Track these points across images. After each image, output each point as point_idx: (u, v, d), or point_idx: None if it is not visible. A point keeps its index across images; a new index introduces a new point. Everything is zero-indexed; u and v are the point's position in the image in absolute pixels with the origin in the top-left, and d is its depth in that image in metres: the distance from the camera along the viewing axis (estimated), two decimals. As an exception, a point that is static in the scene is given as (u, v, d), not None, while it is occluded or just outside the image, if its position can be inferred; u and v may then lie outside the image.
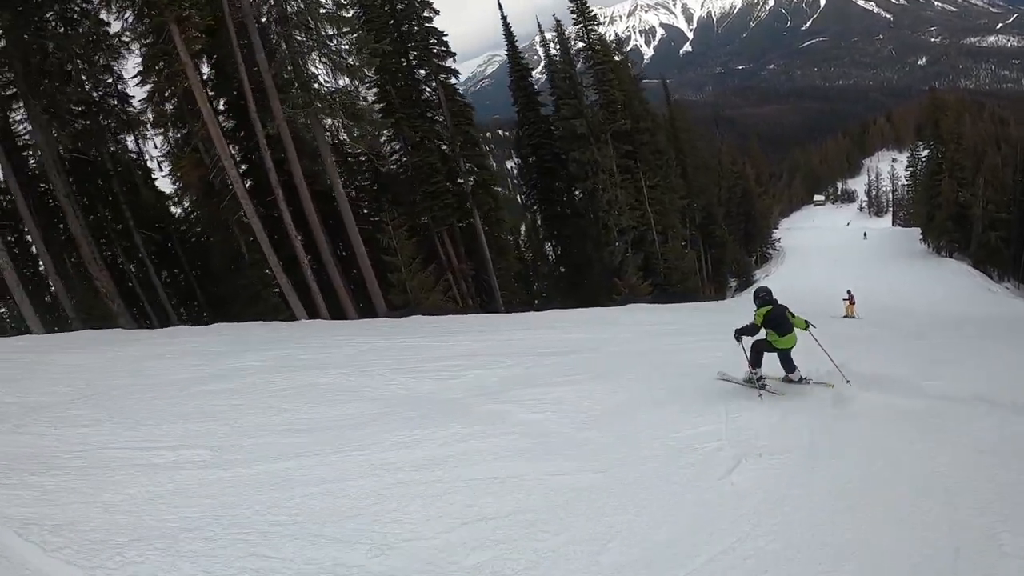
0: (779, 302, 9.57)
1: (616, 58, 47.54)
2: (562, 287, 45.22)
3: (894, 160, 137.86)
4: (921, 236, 79.22)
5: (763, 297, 9.57)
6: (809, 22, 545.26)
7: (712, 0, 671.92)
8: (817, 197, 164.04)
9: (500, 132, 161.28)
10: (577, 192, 42.05)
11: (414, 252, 30.62)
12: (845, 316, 32.24)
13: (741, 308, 24.53)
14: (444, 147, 36.07)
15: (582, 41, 42.19)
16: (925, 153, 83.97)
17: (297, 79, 26.57)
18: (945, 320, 28.30)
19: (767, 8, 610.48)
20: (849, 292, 34.54)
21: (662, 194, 45.83)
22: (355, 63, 27.58)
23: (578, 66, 42.19)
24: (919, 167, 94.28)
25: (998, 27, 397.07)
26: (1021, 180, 64.18)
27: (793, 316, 9.51)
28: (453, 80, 37.20)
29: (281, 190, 26.46)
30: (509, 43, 43.68)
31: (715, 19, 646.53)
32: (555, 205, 45.05)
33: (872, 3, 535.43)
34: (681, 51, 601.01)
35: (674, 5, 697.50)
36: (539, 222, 46.33)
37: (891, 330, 23.54)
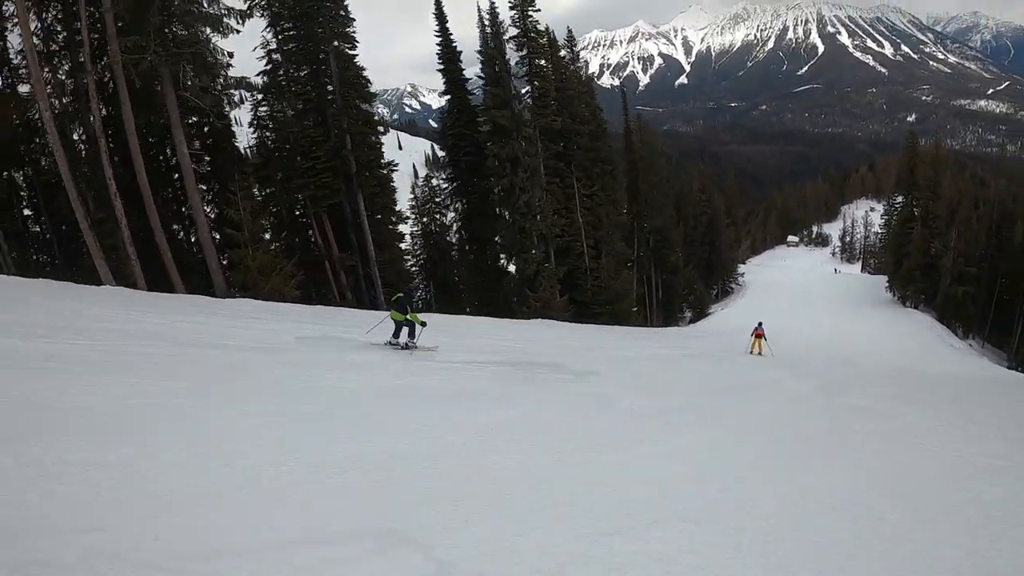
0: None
1: (563, 53, 42.52)
2: (478, 293, 40.15)
3: (871, 209, 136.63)
4: (887, 284, 75.54)
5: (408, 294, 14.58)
6: (805, 68, 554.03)
7: (712, 36, 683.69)
8: (791, 238, 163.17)
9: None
10: (497, 189, 36.95)
11: (262, 230, 27.34)
12: (750, 352, 27.94)
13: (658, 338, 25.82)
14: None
15: (516, 27, 37.24)
16: (900, 200, 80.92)
17: (140, 21, 22.02)
18: (882, 374, 23.59)
19: (766, 50, 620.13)
20: (760, 324, 29.30)
21: (599, 205, 41.03)
22: (214, 12, 24.49)
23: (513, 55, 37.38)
24: (893, 216, 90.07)
25: (989, 92, 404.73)
26: (995, 236, 61.30)
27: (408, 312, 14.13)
28: (352, 50, 32.07)
29: (104, 140, 22.64)
30: (440, 23, 39.05)
31: (714, 55, 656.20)
32: (474, 203, 39.91)
33: (869, 56, 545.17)
34: (676, 82, 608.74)
35: (675, 37, 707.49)
36: (458, 221, 41.10)
37: (793, 378, 18.35)
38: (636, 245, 54.19)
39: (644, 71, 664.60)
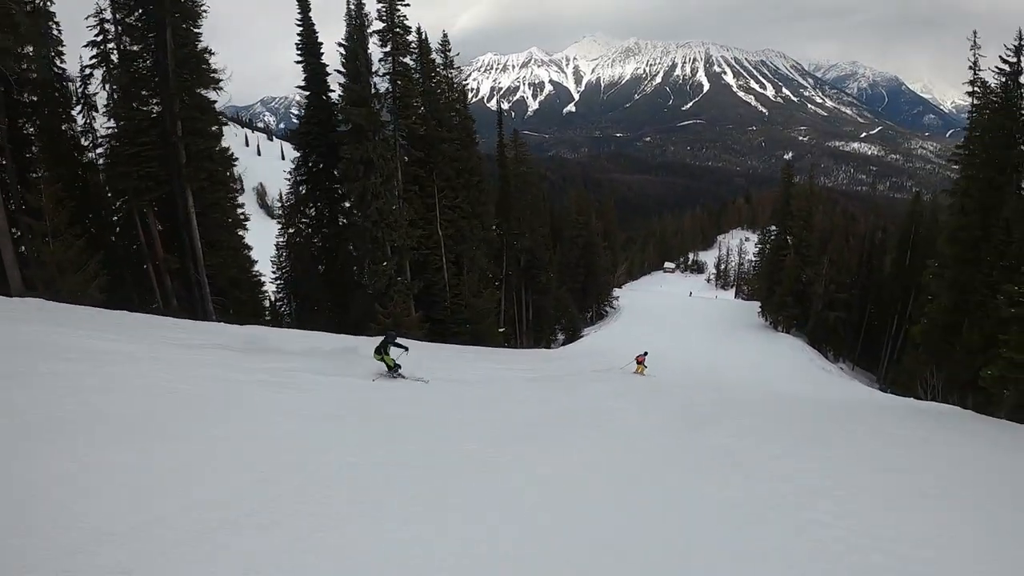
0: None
1: (435, 59, 40.31)
2: (328, 306, 37.23)
3: (746, 239, 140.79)
4: (760, 310, 77.37)
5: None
6: (690, 104, 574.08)
7: (603, 67, 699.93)
8: (668, 264, 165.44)
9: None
10: (349, 196, 34.32)
11: (70, 221, 23.04)
12: (635, 372, 29.81)
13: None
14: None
15: (383, 21, 34.79)
16: (774, 230, 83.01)
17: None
18: (753, 399, 22.31)
19: (653, 84, 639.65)
20: (645, 353, 31.07)
21: (462, 218, 38.80)
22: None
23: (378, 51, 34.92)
24: (767, 245, 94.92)
25: (862, 136, 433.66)
26: (866, 266, 64.54)
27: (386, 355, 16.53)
28: (195, 28, 28.74)
29: None
30: (302, 9, 36.06)
31: (603, 85, 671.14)
32: (326, 210, 37.06)
33: (751, 96, 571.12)
34: (565, 110, 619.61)
35: (567, 65, 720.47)
36: (308, 229, 37.98)
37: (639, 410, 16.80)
38: (505, 263, 52.40)
39: (534, 96, 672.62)
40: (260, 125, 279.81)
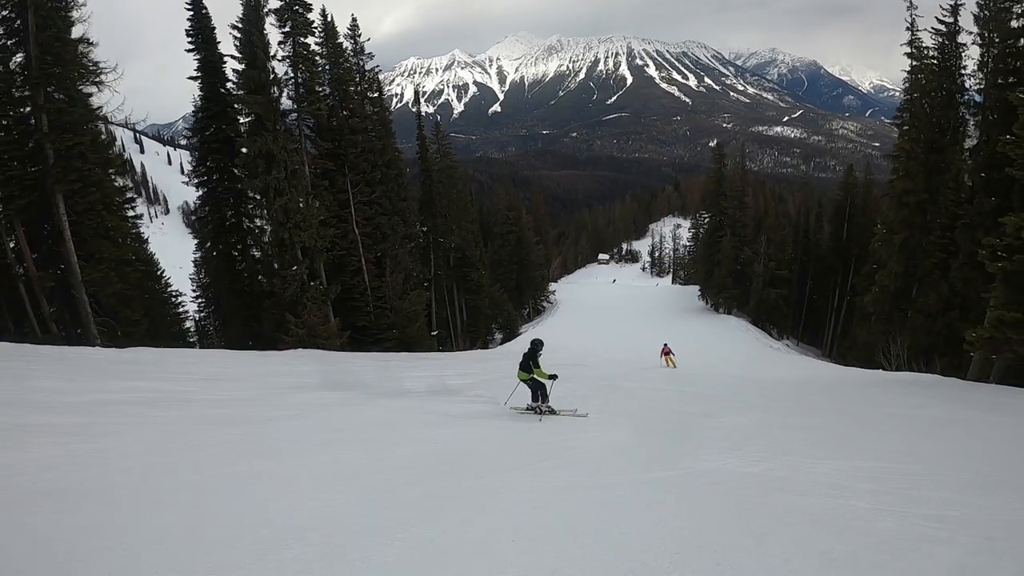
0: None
1: (344, 44, 37.16)
2: (236, 321, 33.82)
3: (678, 226, 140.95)
4: (700, 293, 77.41)
5: (537, 345, 12.42)
6: (614, 98, 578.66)
7: (527, 66, 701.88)
8: (602, 256, 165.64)
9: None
10: (250, 194, 31.02)
11: None
12: (666, 365, 32.59)
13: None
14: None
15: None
16: (707, 216, 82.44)
17: None
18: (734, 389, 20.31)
19: (577, 80, 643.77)
20: (666, 344, 35.21)
21: (380, 215, 35.78)
22: None
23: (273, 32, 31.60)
24: (701, 229, 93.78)
25: (784, 120, 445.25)
26: (803, 240, 64.30)
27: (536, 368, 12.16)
28: (66, 12, 25.01)
29: None
30: (188, -11, 32.64)
31: (527, 84, 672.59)
32: (229, 212, 33.62)
33: (674, 87, 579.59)
34: (490, 110, 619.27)
35: (490, 66, 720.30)
36: (211, 234, 34.34)
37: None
38: (433, 262, 49.57)
39: (459, 99, 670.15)
40: (183, 143, 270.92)
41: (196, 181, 33.75)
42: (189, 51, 32.83)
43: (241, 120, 31.65)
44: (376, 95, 40.50)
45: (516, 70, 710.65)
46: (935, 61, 35.10)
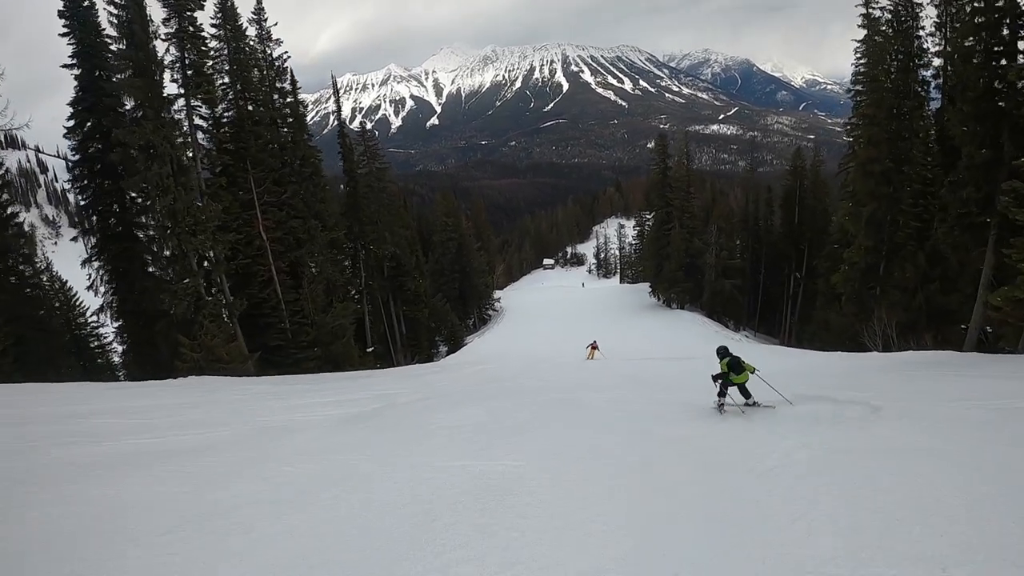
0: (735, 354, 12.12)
1: (248, 29, 32.65)
2: (131, 344, 28.99)
3: (622, 226, 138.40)
4: (650, 290, 74.52)
5: (722, 352, 12.15)
6: (551, 105, 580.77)
7: (463, 78, 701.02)
8: (547, 261, 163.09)
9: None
10: (130, 195, 26.33)
11: None
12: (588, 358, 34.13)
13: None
14: None
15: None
16: (651, 216, 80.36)
17: None
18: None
19: (513, 89, 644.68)
20: (594, 342, 37.75)
21: (293, 218, 31.30)
22: None
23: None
24: (646, 227, 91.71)
25: (720, 118, 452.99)
26: (754, 227, 62.26)
27: (744, 363, 11.93)
28: None
29: None
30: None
31: (463, 95, 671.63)
32: (111, 219, 28.72)
33: (610, 92, 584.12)
34: (428, 123, 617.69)
35: (426, 79, 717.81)
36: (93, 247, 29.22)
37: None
38: (362, 271, 45.21)
39: (396, 113, 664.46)
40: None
41: (77, 186, 28.82)
42: (64, 35, 27.99)
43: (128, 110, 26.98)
44: (286, 86, 35.89)
45: (452, 82, 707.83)
46: (889, 26, 33.81)
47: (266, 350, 28.80)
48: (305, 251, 31.91)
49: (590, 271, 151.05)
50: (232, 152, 28.74)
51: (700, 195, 74.13)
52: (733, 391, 12.15)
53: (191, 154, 26.77)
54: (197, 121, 27.76)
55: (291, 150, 33.81)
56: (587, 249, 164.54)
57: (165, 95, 25.86)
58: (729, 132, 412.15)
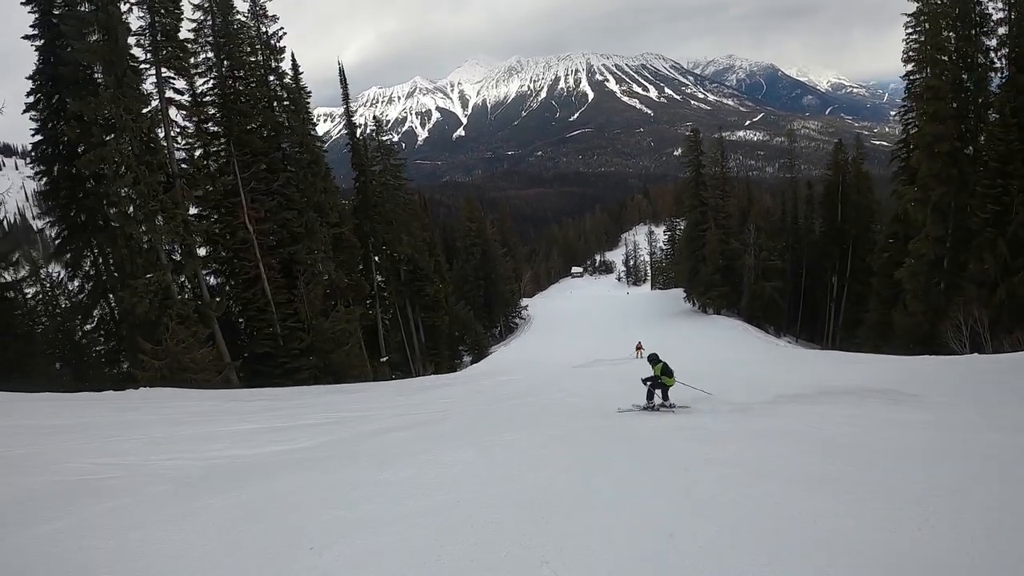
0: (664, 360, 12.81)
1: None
2: (103, 350, 25.17)
3: (651, 232, 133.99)
4: (685, 295, 70.85)
5: (654, 359, 12.84)
6: (577, 114, 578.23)
7: (488, 89, 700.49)
8: (575, 269, 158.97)
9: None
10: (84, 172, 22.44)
11: None
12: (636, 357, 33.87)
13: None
14: None
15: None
16: (683, 220, 77.98)
17: None
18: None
19: (539, 100, 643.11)
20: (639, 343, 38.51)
21: (286, 208, 27.46)
22: None
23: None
24: (677, 231, 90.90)
25: (746, 124, 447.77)
26: (793, 227, 58.44)
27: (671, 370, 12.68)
28: None
29: None
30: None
31: (489, 107, 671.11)
32: (73, 206, 24.82)
33: (635, 100, 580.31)
34: (455, 135, 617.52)
35: (452, 91, 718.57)
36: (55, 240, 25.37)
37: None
38: (375, 274, 41.44)
39: (422, 125, 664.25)
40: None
41: (37, 169, 25.08)
42: (25, 2, 24.41)
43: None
44: (283, 67, 32.12)
45: (478, 93, 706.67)
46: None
47: (254, 358, 25.00)
48: (302, 247, 28.07)
49: (619, 279, 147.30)
50: (213, 134, 25.03)
51: (736, 195, 69.52)
52: (659, 394, 12.76)
53: (162, 132, 23.03)
54: (171, 95, 24.01)
55: (287, 135, 30.08)
56: (616, 256, 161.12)
57: (131, 64, 22.21)
58: (756, 138, 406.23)
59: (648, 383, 12.80)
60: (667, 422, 10.51)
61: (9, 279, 23.03)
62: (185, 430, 10.60)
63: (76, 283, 24.89)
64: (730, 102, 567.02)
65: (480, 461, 7.24)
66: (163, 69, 23.49)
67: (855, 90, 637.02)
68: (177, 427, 10.92)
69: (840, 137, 66.24)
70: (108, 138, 20.56)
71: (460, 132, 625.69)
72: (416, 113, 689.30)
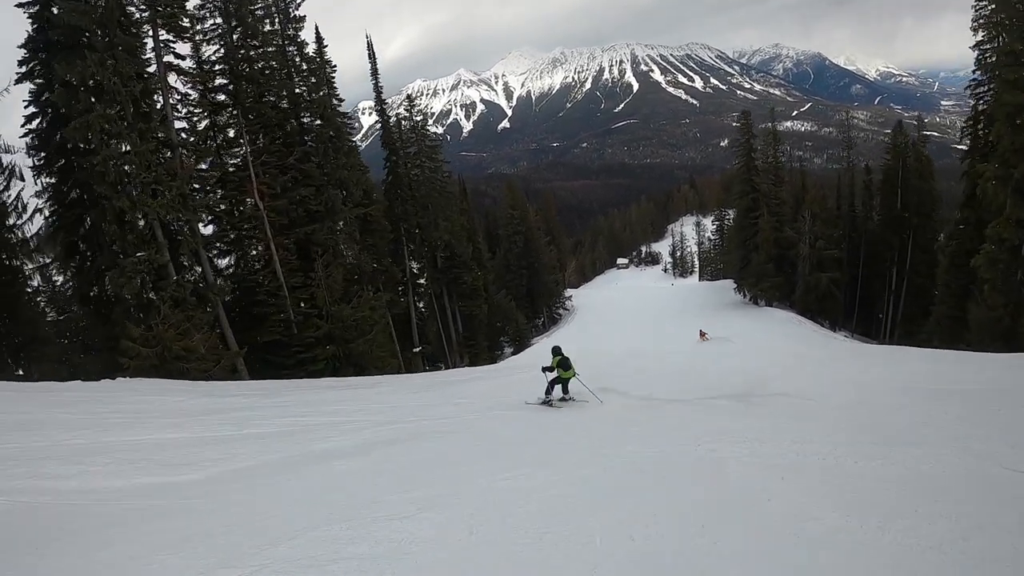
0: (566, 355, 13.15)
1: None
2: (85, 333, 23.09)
3: (699, 223, 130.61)
4: (735, 286, 67.76)
5: (556, 351, 13.27)
6: (622, 105, 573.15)
7: (532, 80, 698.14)
8: (620, 260, 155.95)
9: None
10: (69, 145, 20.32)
11: None
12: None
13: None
14: None
15: None
16: (732, 210, 76.51)
17: None
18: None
19: (583, 91, 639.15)
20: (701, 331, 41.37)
21: (303, 184, 25.23)
22: None
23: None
24: (726, 221, 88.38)
25: (794, 114, 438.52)
26: (849, 214, 55.25)
27: (571, 365, 13.11)
28: None
29: None
30: None
31: (534, 98, 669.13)
32: (66, 180, 22.68)
33: (681, 90, 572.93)
34: (499, 127, 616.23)
35: (496, 83, 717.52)
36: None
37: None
38: (407, 259, 39.26)
39: (467, 118, 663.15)
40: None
41: (31, 144, 23.12)
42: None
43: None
44: (303, 37, 29.90)
45: (522, 85, 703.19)
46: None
47: (266, 347, 22.88)
48: (321, 227, 25.87)
49: (665, 270, 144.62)
50: (220, 103, 22.93)
51: (789, 182, 66.03)
52: (559, 388, 13.04)
53: (161, 100, 20.96)
54: (170, 60, 21.91)
55: (307, 107, 27.92)
56: (662, 248, 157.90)
57: (125, 25, 20.13)
58: (803, 128, 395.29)
59: (546, 372, 13.18)
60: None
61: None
62: (88, 438, 8.26)
63: (73, 265, 22.94)
64: (777, 92, 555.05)
65: (452, 539, 4.76)
66: (161, 32, 21.40)
67: (904, 79, 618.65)
68: (101, 432, 8.61)
69: (890, 127, 62.37)
70: (95, 104, 18.41)
71: (505, 124, 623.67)
72: (461, 105, 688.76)
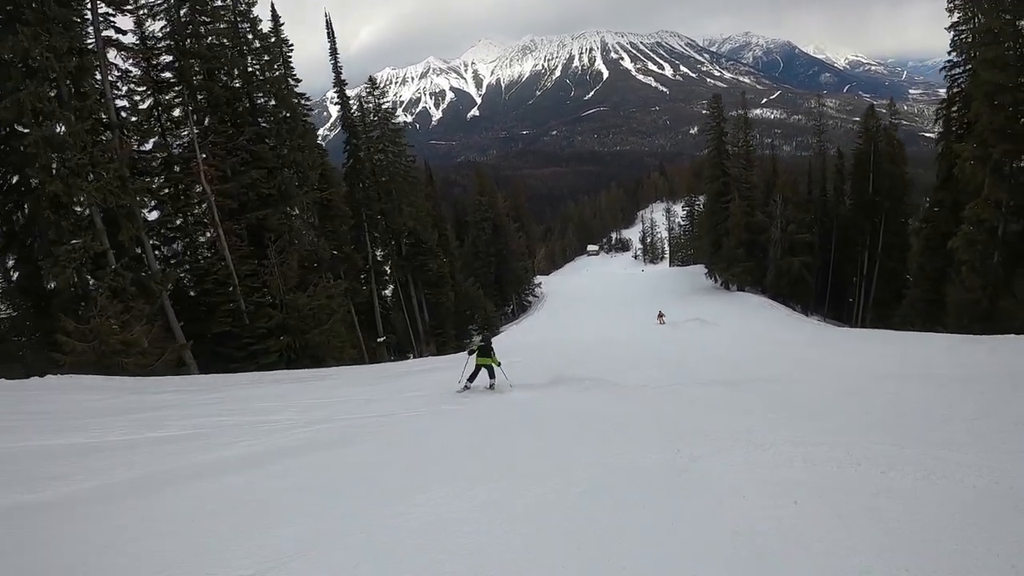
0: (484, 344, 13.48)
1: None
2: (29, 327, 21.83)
3: (669, 209, 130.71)
4: (706, 271, 67.84)
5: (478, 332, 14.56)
6: (592, 93, 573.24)
7: (502, 68, 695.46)
8: (591, 247, 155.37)
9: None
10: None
11: None
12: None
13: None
14: None
15: None
16: (702, 196, 75.81)
17: None
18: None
19: (553, 78, 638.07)
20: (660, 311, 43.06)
21: (254, 167, 24.09)
22: None
23: None
24: (696, 207, 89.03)
25: (763, 102, 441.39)
26: (821, 199, 55.35)
27: (492, 352, 13.52)
28: None
29: None
30: None
31: (504, 86, 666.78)
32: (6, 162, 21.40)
33: (651, 78, 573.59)
34: (469, 115, 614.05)
35: (465, 71, 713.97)
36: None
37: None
38: (369, 246, 38.18)
39: (436, 106, 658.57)
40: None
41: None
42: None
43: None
44: (255, 13, 28.66)
45: (492, 73, 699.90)
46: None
47: (216, 339, 21.79)
48: (275, 212, 24.77)
49: (636, 256, 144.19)
50: (164, 81, 21.73)
51: (760, 166, 65.80)
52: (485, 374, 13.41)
53: (98, 76, 19.73)
54: (109, 34, 20.66)
55: (260, 87, 26.72)
56: (632, 234, 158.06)
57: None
58: (772, 116, 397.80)
59: (470, 354, 13.56)
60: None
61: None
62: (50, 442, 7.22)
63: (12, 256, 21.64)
64: (747, 80, 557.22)
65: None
66: (100, 4, 20.14)
67: (873, 67, 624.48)
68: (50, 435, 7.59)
69: (859, 115, 62.54)
70: (28, 82, 17.17)
71: (474, 112, 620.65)
72: (430, 94, 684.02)
